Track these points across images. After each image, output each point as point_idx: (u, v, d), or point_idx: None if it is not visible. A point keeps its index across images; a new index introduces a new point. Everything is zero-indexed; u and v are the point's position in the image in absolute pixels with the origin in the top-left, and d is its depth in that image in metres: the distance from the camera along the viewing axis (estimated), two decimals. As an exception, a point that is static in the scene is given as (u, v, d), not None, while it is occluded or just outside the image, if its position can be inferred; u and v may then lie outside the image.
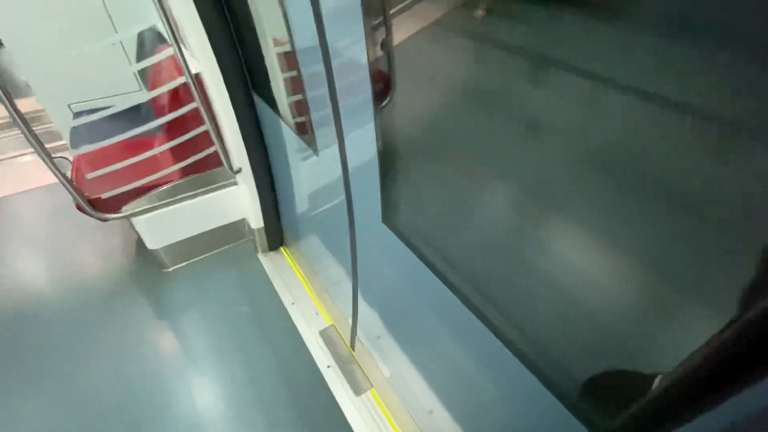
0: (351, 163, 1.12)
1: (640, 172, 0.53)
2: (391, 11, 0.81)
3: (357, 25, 0.82)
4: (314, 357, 1.79)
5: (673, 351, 0.52)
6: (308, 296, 2.07)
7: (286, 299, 2.05)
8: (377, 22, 0.82)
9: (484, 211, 0.85)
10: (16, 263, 2.30)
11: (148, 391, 1.70)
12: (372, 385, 1.66)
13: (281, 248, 2.34)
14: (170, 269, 2.23)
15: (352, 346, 1.77)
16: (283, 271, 2.21)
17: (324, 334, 1.87)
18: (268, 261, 2.27)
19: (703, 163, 0.47)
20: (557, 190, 0.67)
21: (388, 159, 0.97)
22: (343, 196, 1.24)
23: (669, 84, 0.46)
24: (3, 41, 2.20)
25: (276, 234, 2.26)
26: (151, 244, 2.10)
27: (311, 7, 0.92)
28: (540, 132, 0.66)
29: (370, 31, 0.82)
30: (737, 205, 0.44)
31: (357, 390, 1.66)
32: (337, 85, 1.00)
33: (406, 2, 0.80)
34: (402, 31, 0.82)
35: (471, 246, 0.91)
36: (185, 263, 2.25)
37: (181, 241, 2.16)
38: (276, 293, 2.09)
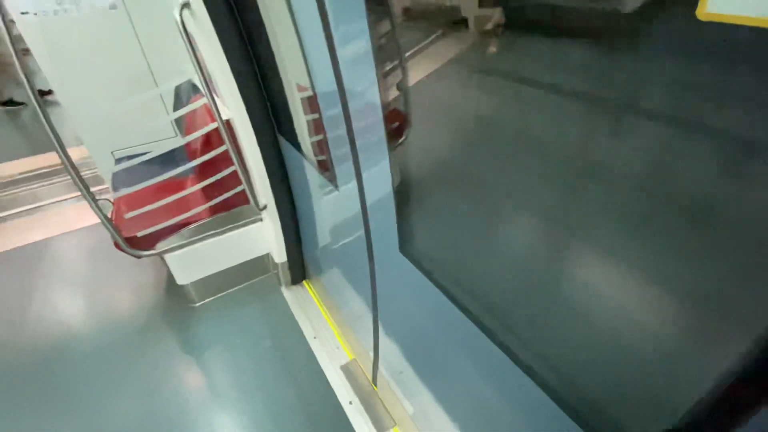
0: (369, 197, 1.17)
1: (668, 199, 0.52)
2: (406, 54, 0.87)
3: (370, 71, 0.89)
4: (336, 392, 1.77)
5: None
6: (330, 330, 2.07)
7: (308, 333, 2.06)
8: (392, 66, 0.89)
9: (492, 239, 0.86)
10: (55, 300, 2.43)
11: (172, 426, 1.72)
12: (395, 423, 1.62)
13: (304, 282, 2.38)
14: (197, 304, 2.30)
15: (374, 381, 1.75)
16: (305, 304, 2.24)
17: (345, 369, 1.86)
18: (291, 295, 2.31)
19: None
20: (576, 219, 0.67)
21: (403, 192, 1.02)
22: (362, 228, 1.28)
23: (680, 107, 0.47)
24: (60, 100, 2.46)
25: (299, 268, 2.31)
26: (180, 280, 2.19)
27: (329, 57, 1.01)
28: (556, 163, 0.66)
29: (382, 76, 0.89)
30: None
31: (380, 427, 1.61)
32: (354, 126, 1.07)
33: (417, 47, 0.87)
34: (416, 71, 0.88)
35: (486, 274, 0.91)
36: (212, 298, 2.32)
37: (209, 276, 2.24)
38: (298, 327, 2.11)
